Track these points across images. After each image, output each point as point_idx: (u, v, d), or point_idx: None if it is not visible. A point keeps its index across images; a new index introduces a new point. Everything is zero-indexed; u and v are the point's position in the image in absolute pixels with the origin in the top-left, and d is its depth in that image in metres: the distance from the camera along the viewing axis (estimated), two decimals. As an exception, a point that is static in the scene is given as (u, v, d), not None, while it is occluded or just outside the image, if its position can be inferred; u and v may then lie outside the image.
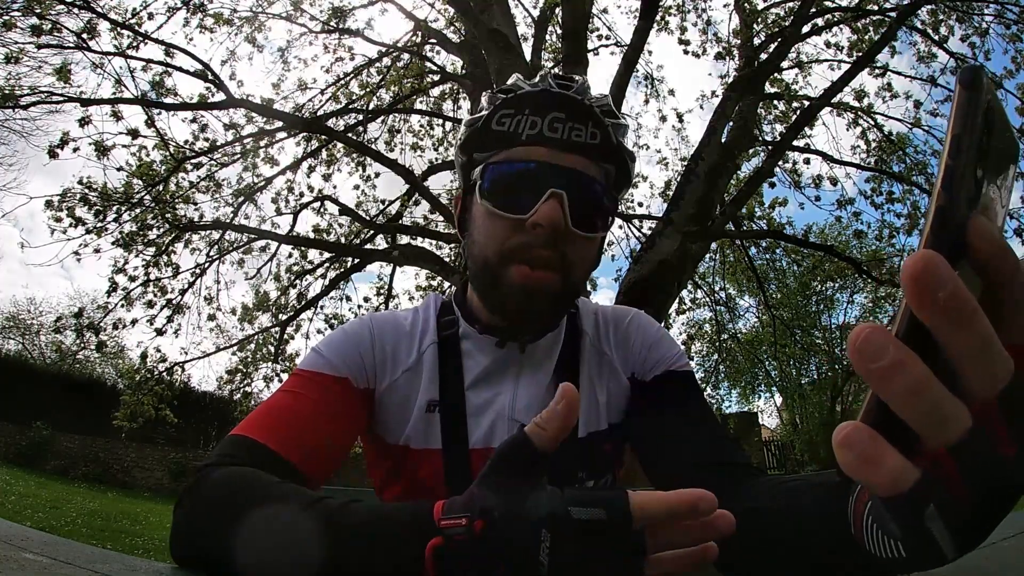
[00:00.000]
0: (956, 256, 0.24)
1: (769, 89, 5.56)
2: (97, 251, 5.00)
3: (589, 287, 5.52)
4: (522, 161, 0.66)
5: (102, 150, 4.76)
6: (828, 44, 5.67)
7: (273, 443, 0.61)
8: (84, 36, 4.35)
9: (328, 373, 0.69)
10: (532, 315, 0.67)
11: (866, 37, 5.28)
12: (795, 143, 5.44)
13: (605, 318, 0.81)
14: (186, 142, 5.12)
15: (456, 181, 0.77)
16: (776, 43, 5.09)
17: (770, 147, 5.31)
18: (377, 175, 6.50)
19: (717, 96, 5.86)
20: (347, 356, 0.71)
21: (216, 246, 5.77)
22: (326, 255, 6.21)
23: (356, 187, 6.55)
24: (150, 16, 4.76)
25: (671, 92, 7.46)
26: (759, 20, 5.73)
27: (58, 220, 4.77)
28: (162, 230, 5.19)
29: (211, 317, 5.89)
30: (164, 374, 5.55)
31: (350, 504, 0.49)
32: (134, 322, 5.41)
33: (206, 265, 5.76)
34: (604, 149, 0.67)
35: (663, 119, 6.91)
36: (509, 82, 0.70)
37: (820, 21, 5.32)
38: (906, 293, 0.23)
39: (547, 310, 0.67)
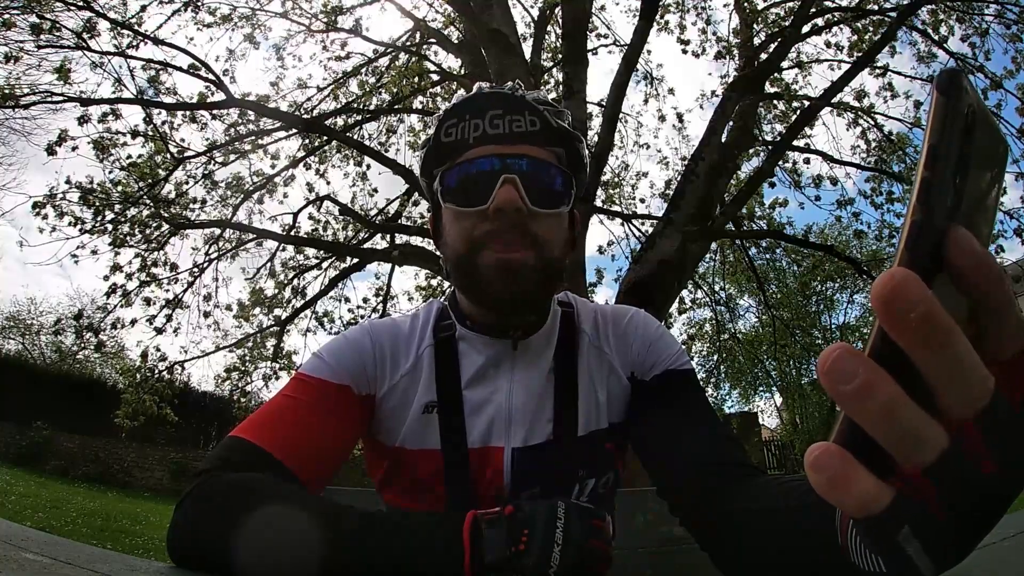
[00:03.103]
0: (935, 270, 0.23)
1: (769, 89, 5.55)
2: (94, 252, 5.00)
3: (593, 279, 5.52)
4: (473, 159, 0.69)
5: (101, 148, 4.76)
6: (828, 44, 5.67)
7: (271, 447, 0.62)
8: (84, 35, 4.35)
9: (329, 379, 0.70)
10: (515, 294, 0.67)
11: (866, 37, 5.27)
12: (795, 143, 5.44)
13: (604, 317, 0.81)
14: (164, 122, 5.08)
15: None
16: (776, 43, 5.08)
17: (770, 147, 5.31)
18: (369, 167, 6.51)
19: (717, 96, 5.87)
20: (348, 363, 0.72)
21: (214, 243, 5.77)
22: (325, 253, 6.22)
23: (353, 183, 6.56)
24: (143, 8, 4.75)
25: (671, 91, 7.47)
26: (759, 20, 5.73)
27: (44, 217, 4.76)
28: (159, 226, 5.19)
29: (206, 314, 5.87)
30: (164, 372, 5.54)
31: (377, 511, 0.57)
32: (133, 322, 5.41)
33: (204, 264, 5.77)
34: (546, 133, 0.70)
35: (663, 118, 6.92)
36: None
37: (820, 21, 5.32)
38: (876, 314, 0.22)
39: (528, 287, 0.68)
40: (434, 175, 0.74)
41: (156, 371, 5.46)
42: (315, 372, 0.70)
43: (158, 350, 5.58)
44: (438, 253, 0.78)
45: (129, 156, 4.99)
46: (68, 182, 4.82)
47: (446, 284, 6.26)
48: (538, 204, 0.68)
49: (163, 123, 5.10)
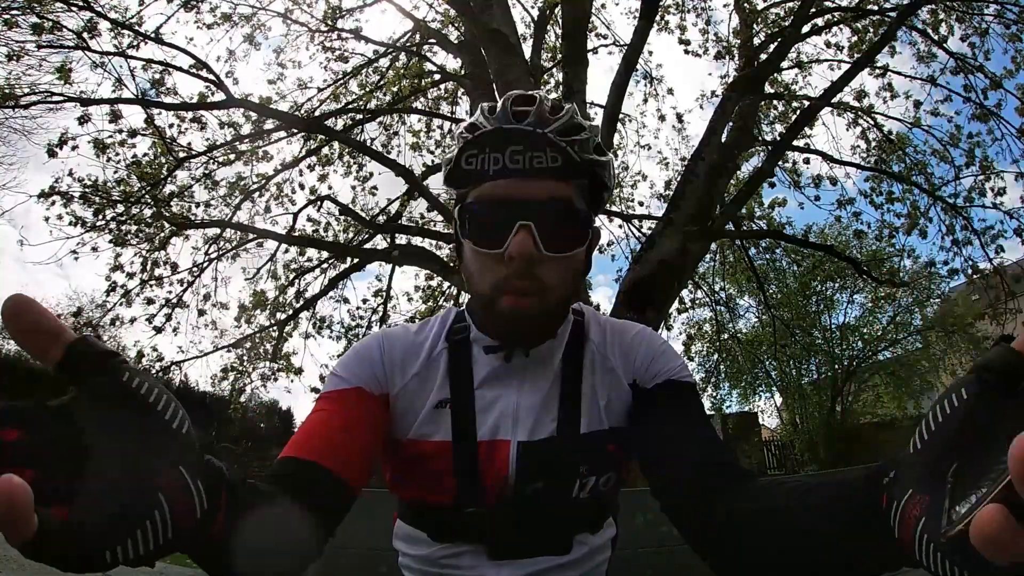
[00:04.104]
0: None
1: (769, 89, 5.55)
2: (95, 249, 5.01)
3: (586, 287, 5.51)
4: (491, 199, 0.71)
5: (101, 148, 4.77)
6: (828, 44, 5.67)
7: (312, 456, 0.67)
8: (84, 35, 4.35)
9: (345, 387, 0.76)
10: (520, 336, 0.75)
11: (866, 37, 5.28)
12: (795, 143, 5.44)
13: (612, 328, 0.85)
14: (171, 125, 5.10)
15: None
16: (776, 43, 5.09)
17: (770, 147, 5.31)
18: (371, 175, 6.52)
19: (717, 96, 5.87)
20: (358, 369, 0.77)
21: (215, 243, 5.76)
22: (325, 254, 6.22)
23: (352, 187, 6.57)
24: (143, 3, 4.76)
25: (670, 91, 7.46)
26: (759, 20, 5.73)
27: (52, 204, 4.77)
28: (160, 224, 5.19)
29: (201, 312, 5.86)
30: (160, 374, 5.53)
31: None
32: (133, 320, 5.41)
33: (205, 264, 5.77)
34: (568, 168, 0.70)
35: (663, 118, 6.92)
36: (472, 119, 0.76)
37: (820, 21, 5.33)
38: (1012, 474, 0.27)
39: (532, 331, 0.75)
40: (457, 195, 0.78)
41: (151, 373, 5.44)
42: (333, 386, 0.76)
43: (155, 350, 5.58)
44: (444, 249, 0.81)
45: (135, 155, 5.01)
46: (71, 175, 4.84)
47: (446, 284, 6.26)
48: (552, 249, 0.70)
49: (170, 126, 5.12)
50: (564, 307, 0.77)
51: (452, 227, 0.84)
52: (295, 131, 5.61)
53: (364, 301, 6.69)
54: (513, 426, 0.75)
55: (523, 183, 0.70)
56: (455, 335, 0.81)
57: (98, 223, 4.91)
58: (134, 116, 8.13)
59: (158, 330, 5.45)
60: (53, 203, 4.79)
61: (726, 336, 8.13)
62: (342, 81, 6.47)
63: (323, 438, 0.70)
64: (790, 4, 5.61)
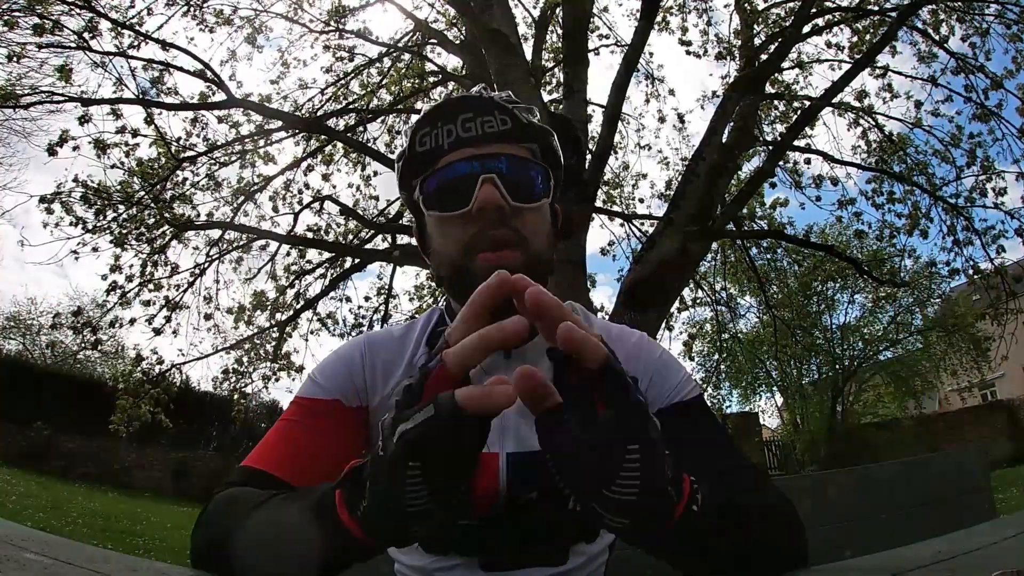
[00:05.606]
0: None
1: (770, 89, 5.55)
2: (95, 250, 5.00)
3: (588, 284, 5.51)
4: (450, 163, 0.70)
5: (102, 148, 4.76)
6: (828, 44, 5.68)
7: (273, 468, 0.66)
8: (85, 36, 4.35)
9: (320, 397, 0.73)
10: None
11: (866, 37, 5.27)
12: (796, 143, 5.44)
13: (609, 333, 0.81)
14: (179, 139, 5.13)
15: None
16: (777, 43, 5.08)
17: (771, 147, 5.31)
18: (376, 173, 6.52)
19: (718, 96, 5.87)
20: (337, 378, 0.75)
21: (215, 246, 5.76)
22: (326, 255, 6.21)
23: (357, 188, 6.57)
24: (149, 10, 4.77)
25: (671, 92, 7.48)
26: (760, 20, 5.74)
27: (50, 212, 4.76)
28: (161, 230, 5.18)
29: (207, 316, 5.85)
30: (159, 377, 5.49)
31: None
32: (132, 321, 5.39)
33: (205, 265, 5.76)
34: (518, 131, 0.71)
35: (663, 119, 6.92)
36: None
37: (820, 21, 5.32)
38: None
39: None
40: (413, 186, 0.74)
41: (150, 376, 5.39)
42: (307, 393, 0.74)
43: (154, 353, 5.55)
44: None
45: (138, 158, 5.01)
46: (76, 180, 4.83)
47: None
48: (519, 199, 0.69)
49: (177, 140, 5.12)
50: (546, 267, 0.73)
51: (414, 234, 0.80)
52: (296, 131, 5.61)
53: (366, 299, 6.70)
54: (500, 436, 0.71)
55: (478, 149, 0.69)
56: (435, 338, 0.77)
57: (99, 224, 4.90)
58: (134, 116, 8.14)
59: (157, 332, 5.44)
60: (52, 212, 4.78)
61: (727, 336, 8.14)
62: (344, 81, 6.47)
63: (288, 450, 0.67)
64: (790, 4, 5.62)
